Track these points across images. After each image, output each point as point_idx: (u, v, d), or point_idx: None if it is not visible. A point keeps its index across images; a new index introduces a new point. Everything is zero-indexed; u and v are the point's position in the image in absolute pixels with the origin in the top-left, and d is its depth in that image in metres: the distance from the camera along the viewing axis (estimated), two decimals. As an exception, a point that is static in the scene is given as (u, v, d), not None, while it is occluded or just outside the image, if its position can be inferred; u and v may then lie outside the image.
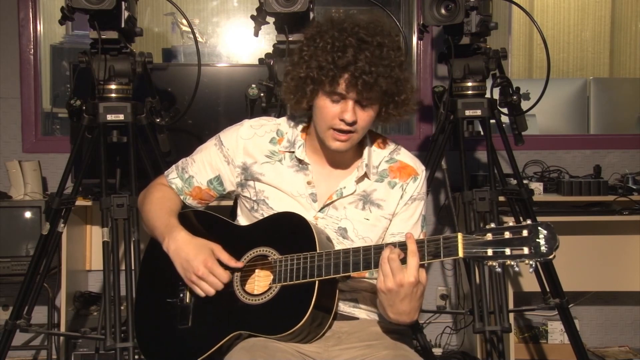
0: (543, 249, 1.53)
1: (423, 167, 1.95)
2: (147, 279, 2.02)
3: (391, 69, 1.74)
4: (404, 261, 1.63)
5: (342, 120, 1.76)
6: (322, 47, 1.74)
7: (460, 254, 1.59)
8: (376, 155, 1.93)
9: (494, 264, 1.57)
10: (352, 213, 1.89)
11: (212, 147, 1.98)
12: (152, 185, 2.08)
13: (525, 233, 1.55)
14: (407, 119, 1.89)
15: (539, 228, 1.54)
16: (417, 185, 1.92)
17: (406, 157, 1.95)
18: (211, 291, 1.81)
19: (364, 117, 1.77)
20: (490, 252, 1.57)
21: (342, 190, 1.89)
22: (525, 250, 1.54)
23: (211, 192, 2.01)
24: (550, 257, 1.53)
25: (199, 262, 1.81)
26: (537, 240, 1.53)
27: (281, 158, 1.93)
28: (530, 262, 1.54)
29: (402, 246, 1.65)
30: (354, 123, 1.76)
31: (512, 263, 1.56)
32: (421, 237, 1.89)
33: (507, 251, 1.55)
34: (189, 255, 1.83)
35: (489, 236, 1.58)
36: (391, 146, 1.96)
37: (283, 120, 1.98)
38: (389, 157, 1.94)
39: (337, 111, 1.76)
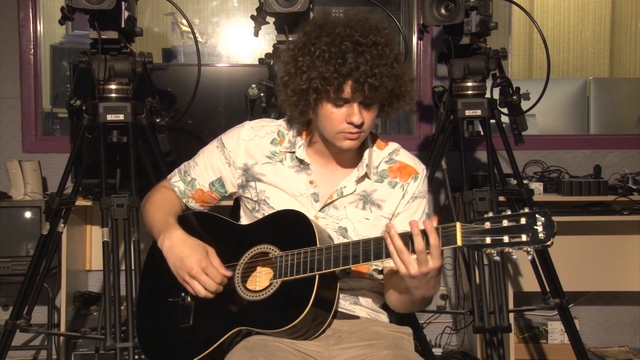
0: (541, 235, 1.53)
1: (423, 166, 1.96)
2: (149, 279, 2.01)
3: (391, 66, 1.74)
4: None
5: (350, 123, 1.76)
6: (319, 56, 1.73)
7: (459, 242, 1.60)
8: (376, 155, 1.94)
9: (493, 251, 1.58)
10: (352, 213, 1.89)
11: (214, 150, 1.99)
12: (155, 187, 2.09)
13: (523, 221, 1.55)
14: (409, 109, 1.90)
15: (537, 215, 1.54)
16: (418, 184, 1.92)
17: (405, 157, 1.96)
18: (202, 291, 1.81)
19: (370, 116, 1.79)
20: (488, 240, 1.57)
21: (342, 190, 1.89)
22: (524, 237, 1.54)
23: (213, 195, 2.01)
24: (548, 243, 1.54)
25: (193, 261, 1.81)
26: (535, 227, 1.54)
27: (282, 159, 1.93)
28: (529, 249, 1.55)
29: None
30: (362, 124, 1.77)
31: (511, 250, 1.56)
32: None
33: (506, 239, 1.56)
34: (182, 254, 1.83)
35: (487, 224, 1.58)
36: (390, 147, 1.97)
37: (284, 121, 1.98)
38: (388, 158, 1.94)
39: (343, 115, 1.77)
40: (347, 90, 1.73)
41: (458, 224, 1.60)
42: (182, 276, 1.83)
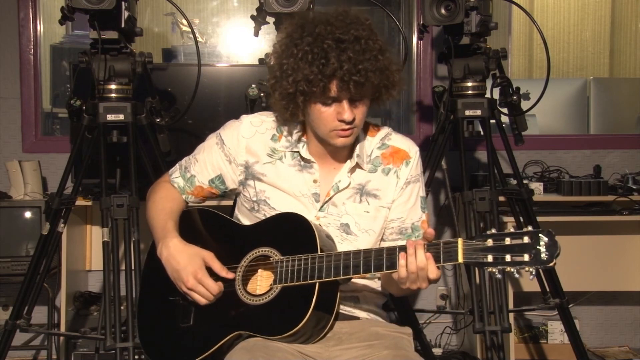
0: (543, 256, 1.52)
1: (416, 148, 1.95)
2: (150, 276, 2.01)
3: (375, 59, 1.73)
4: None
5: (341, 120, 1.76)
6: (302, 57, 1.73)
7: (460, 259, 1.59)
8: (368, 143, 1.93)
9: (494, 270, 1.57)
10: (352, 208, 1.89)
11: (213, 147, 1.97)
12: (158, 182, 2.08)
13: (526, 239, 1.54)
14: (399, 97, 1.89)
15: (540, 235, 1.53)
16: (410, 168, 1.91)
17: (397, 140, 1.94)
18: (202, 301, 1.81)
19: (360, 111, 1.78)
20: (490, 258, 1.56)
21: (337, 185, 1.89)
22: (526, 257, 1.53)
23: (213, 190, 2.01)
24: (551, 264, 1.52)
25: (188, 274, 1.80)
26: (538, 247, 1.52)
27: (281, 156, 1.92)
28: (531, 270, 1.53)
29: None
30: (353, 120, 1.77)
31: (512, 270, 1.55)
32: (423, 218, 1.92)
33: (507, 257, 1.54)
34: (179, 265, 1.82)
35: (490, 242, 1.57)
36: (382, 132, 1.95)
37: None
38: (380, 144, 1.93)
39: (333, 113, 1.76)
40: (334, 89, 1.73)
41: (460, 241, 1.60)
42: (180, 287, 1.84)
